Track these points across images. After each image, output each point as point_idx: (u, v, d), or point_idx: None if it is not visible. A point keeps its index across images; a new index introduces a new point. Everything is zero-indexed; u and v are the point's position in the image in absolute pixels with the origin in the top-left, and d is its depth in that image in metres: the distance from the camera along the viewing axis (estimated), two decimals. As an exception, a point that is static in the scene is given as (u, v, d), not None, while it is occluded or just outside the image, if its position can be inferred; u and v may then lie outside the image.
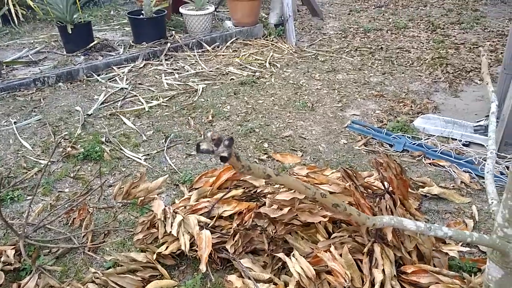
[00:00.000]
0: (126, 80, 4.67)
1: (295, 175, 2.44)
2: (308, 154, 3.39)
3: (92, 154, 3.29)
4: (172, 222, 2.35)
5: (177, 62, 5.14)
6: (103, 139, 3.55)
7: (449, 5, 7.27)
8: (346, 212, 1.30)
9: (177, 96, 4.34)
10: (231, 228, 2.35)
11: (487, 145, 1.73)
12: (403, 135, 3.54)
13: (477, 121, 3.63)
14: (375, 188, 2.49)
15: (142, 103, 4.18)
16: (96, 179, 3.04)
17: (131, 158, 3.34)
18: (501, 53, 5.03)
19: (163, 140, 3.58)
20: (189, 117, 3.93)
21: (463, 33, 5.98)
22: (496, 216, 1.38)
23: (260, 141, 3.55)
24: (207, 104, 4.17)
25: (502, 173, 2.97)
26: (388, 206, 2.27)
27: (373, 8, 7.30)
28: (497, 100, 1.83)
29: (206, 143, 0.88)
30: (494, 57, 5.09)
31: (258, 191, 2.60)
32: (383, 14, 6.94)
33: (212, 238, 2.24)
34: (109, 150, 3.40)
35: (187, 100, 4.27)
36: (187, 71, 4.92)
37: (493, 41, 5.60)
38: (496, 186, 2.61)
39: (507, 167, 3.01)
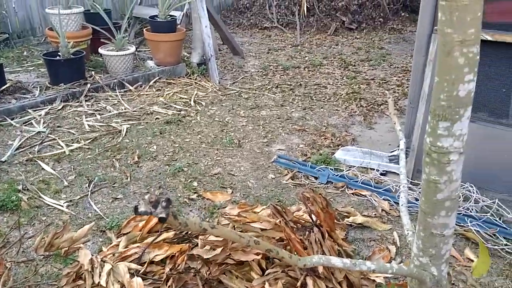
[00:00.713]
0: (44, 123, 4.44)
1: (227, 215, 2.46)
2: (238, 190, 3.43)
3: (8, 204, 3.07)
4: (100, 272, 2.24)
5: (99, 103, 5.01)
6: (20, 187, 3.33)
7: (358, 43, 7.88)
8: (278, 256, 1.36)
9: (100, 138, 4.21)
10: (163, 273, 2.29)
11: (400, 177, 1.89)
12: (326, 167, 3.71)
13: (391, 151, 3.93)
14: (304, 221, 2.58)
15: (62, 146, 3.99)
16: (14, 231, 2.83)
17: (52, 206, 3.15)
18: (407, 87, 5.51)
19: (87, 184, 3.43)
20: (114, 159, 3.82)
21: (372, 69, 6.50)
22: (412, 246, 1.50)
23: (189, 180, 3.54)
24: (132, 145, 4.09)
25: (417, 199, 3.22)
26: (317, 239, 2.36)
27: (290, 47, 7.70)
28: (404, 137, 2.02)
29: (144, 205, 0.89)
30: (401, 91, 5.57)
31: (190, 232, 2.58)
32: (300, 53, 7.34)
33: (144, 285, 2.17)
34: (27, 199, 3.19)
35: (111, 141, 4.16)
36: (110, 111, 4.80)
37: (399, 76, 6.14)
38: (412, 212, 2.82)
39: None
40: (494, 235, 2.77)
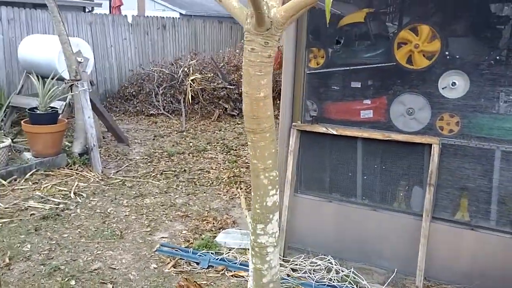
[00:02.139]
0: None
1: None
2: (118, 285, 3.40)
3: None
4: None
5: (-35, 201, 4.68)
6: None
7: (239, 129, 8.49)
8: None
9: (-35, 240, 3.91)
10: None
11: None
12: (207, 252, 3.87)
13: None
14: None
15: None
16: None
17: None
18: (282, 169, 6.05)
19: None
20: (-19, 263, 3.57)
21: (252, 153, 7.02)
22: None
23: (66, 279, 3.43)
24: (3, 245, 3.86)
25: (288, 275, 3.50)
26: (193, 326, 2.47)
27: (176, 133, 8.02)
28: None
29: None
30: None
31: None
32: (185, 139, 7.68)
33: None
34: None
35: (-22, 243, 3.89)
36: (-22, 210, 4.51)
37: (276, 159, 6.72)
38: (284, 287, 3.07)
39: (292, 269, 3.57)
40: (353, 302, 3.13)
